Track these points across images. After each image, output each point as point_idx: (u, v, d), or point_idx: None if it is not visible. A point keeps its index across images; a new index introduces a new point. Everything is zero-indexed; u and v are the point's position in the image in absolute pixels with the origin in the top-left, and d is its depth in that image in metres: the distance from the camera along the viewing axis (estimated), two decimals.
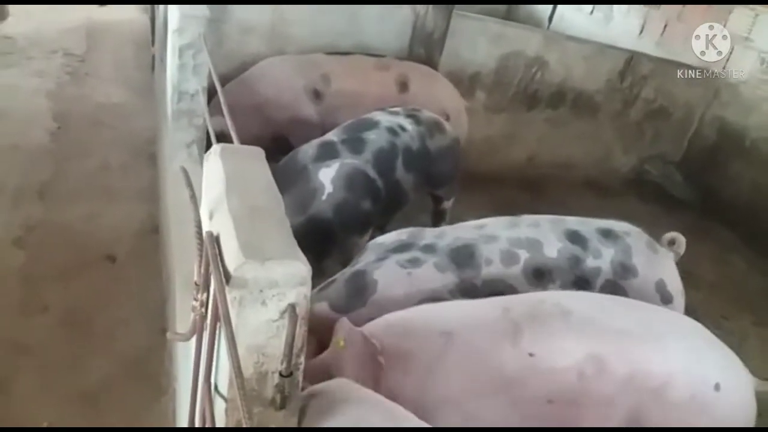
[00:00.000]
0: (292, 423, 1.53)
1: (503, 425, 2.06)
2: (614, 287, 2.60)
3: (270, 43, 4.38)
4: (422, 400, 2.01)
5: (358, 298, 2.47)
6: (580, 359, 2.07)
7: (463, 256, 2.57)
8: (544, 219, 2.80)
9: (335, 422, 1.57)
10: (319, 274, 2.57)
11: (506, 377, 2.07)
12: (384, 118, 3.45)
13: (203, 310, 1.56)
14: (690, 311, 2.71)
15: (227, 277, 1.34)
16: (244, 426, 1.12)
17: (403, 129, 3.41)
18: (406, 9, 4.68)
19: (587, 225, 2.77)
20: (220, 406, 1.51)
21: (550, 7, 7.82)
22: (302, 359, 1.47)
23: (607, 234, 2.71)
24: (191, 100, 3.35)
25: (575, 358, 2.07)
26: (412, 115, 3.54)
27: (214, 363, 1.54)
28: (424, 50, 4.67)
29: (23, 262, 3.37)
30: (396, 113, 3.55)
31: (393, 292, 2.45)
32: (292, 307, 1.35)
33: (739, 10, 5.67)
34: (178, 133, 3.45)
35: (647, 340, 2.15)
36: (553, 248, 2.64)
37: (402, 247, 2.63)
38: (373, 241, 2.76)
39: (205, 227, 1.57)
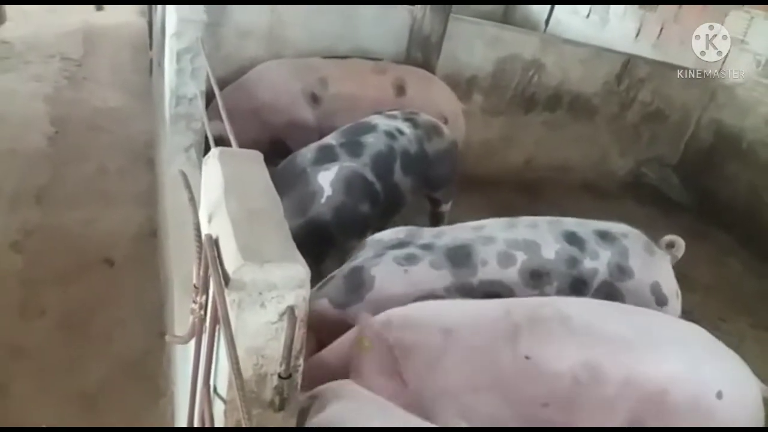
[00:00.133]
0: (291, 424, 1.53)
1: (499, 422, 2.07)
2: (610, 288, 2.62)
3: (268, 46, 4.39)
4: (422, 392, 2.03)
5: (356, 293, 2.49)
6: (575, 364, 2.07)
7: (459, 256, 2.58)
8: (542, 220, 2.81)
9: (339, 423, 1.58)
10: (317, 277, 2.59)
11: (502, 377, 2.08)
12: (382, 122, 3.46)
13: (202, 312, 1.57)
14: (687, 313, 2.72)
15: (226, 279, 1.35)
16: (244, 426, 1.12)
17: (401, 132, 3.43)
18: (403, 13, 4.70)
19: (585, 226, 2.78)
20: (219, 407, 1.51)
21: (546, 10, 7.84)
22: (301, 361, 1.47)
23: (604, 236, 2.72)
24: (189, 104, 3.36)
25: (571, 363, 2.08)
26: (410, 119, 3.55)
27: (213, 365, 1.54)
28: (422, 54, 4.68)
29: (21, 266, 3.37)
30: (394, 117, 3.56)
31: (390, 289, 2.47)
32: (291, 310, 1.36)
33: (735, 13, 5.70)
34: (176, 136, 3.46)
35: (646, 347, 2.14)
36: (551, 250, 2.65)
37: (400, 245, 2.65)
38: (371, 238, 2.78)
39: (204, 230, 1.58)
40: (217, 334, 1.49)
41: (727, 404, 2.08)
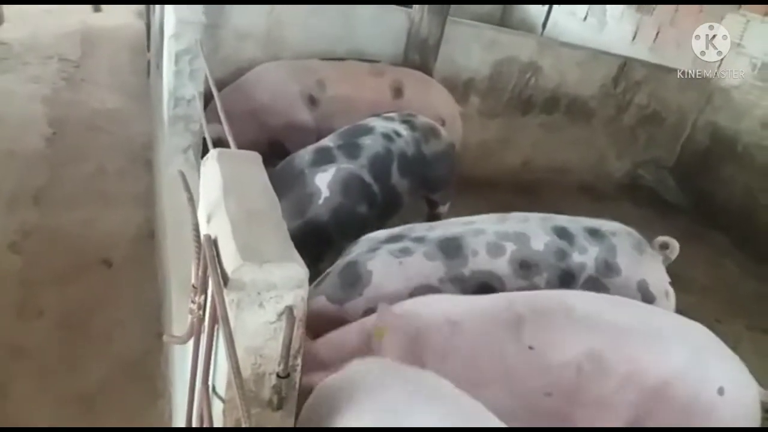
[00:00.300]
0: (289, 424, 1.55)
1: (502, 413, 2.08)
2: (596, 284, 2.65)
3: (265, 48, 4.41)
4: None
5: (354, 289, 2.50)
6: (579, 355, 2.09)
7: (451, 248, 2.61)
8: (533, 216, 2.85)
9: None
10: (315, 278, 2.60)
11: (506, 368, 2.09)
12: (379, 124, 3.48)
13: (201, 312, 1.58)
14: (683, 314, 2.73)
15: (225, 279, 1.36)
16: (244, 426, 1.13)
17: (398, 134, 3.44)
18: (401, 15, 4.72)
19: (576, 223, 2.82)
20: (217, 407, 1.52)
21: (543, 13, 7.86)
22: (299, 361, 1.49)
23: (593, 233, 2.75)
24: (188, 106, 3.36)
25: (574, 354, 2.09)
26: (408, 121, 3.57)
27: (211, 364, 1.55)
28: (419, 56, 4.69)
29: (20, 267, 3.37)
30: (391, 119, 3.58)
31: (387, 282, 2.49)
32: (289, 309, 1.37)
33: (731, 16, 5.72)
34: (174, 138, 3.46)
35: (649, 341, 2.15)
36: (540, 242, 2.68)
37: (393, 239, 2.68)
38: (365, 236, 2.79)
39: (203, 230, 1.59)
40: (215, 333, 1.50)
41: (728, 401, 2.09)
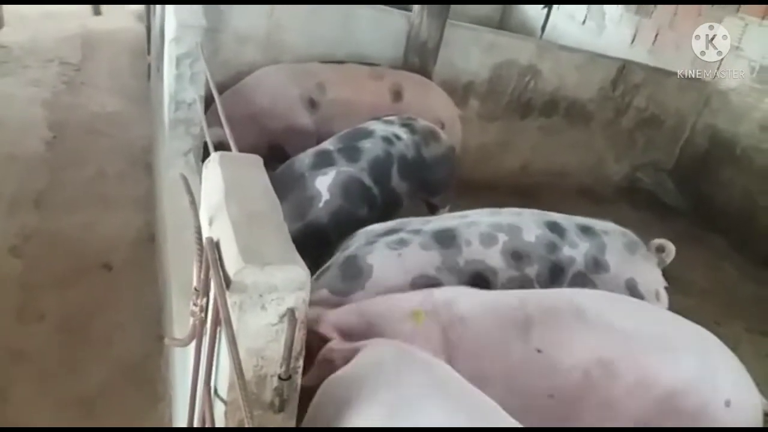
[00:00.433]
0: (291, 425, 1.55)
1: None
2: (584, 279, 2.68)
3: (265, 52, 4.42)
4: None
5: (356, 282, 2.51)
6: (586, 359, 2.08)
7: (445, 238, 2.65)
8: (527, 211, 2.89)
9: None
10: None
11: (510, 366, 2.10)
12: (379, 127, 3.49)
13: (203, 315, 1.58)
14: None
15: (227, 281, 1.37)
16: (246, 426, 1.14)
17: (398, 138, 3.45)
18: (400, 18, 4.73)
19: (568, 219, 2.85)
20: (219, 409, 1.52)
21: (542, 16, 7.89)
22: (301, 363, 1.49)
23: (585, 230, 2.79)
24: (188, 109, 3.37)
25: (582, 358, 2.08)
26: (407, 124, 3.58)
27: (213, 367, 1.56)
28: (419, 59, 4.70)
29: (20, 270, 3.38)
30: (391, 122, 3.59)
31: (388, 274, 2.51)
32: (291, 312, 1.38)
33: (729, 19, 5.74)
34: (174, 141, 3.47)
35: (659, 349, 2.13)
36: (532, 234, 2.72)
37: (390, 232, 2.70)
38: (361, 230, 2.80)
39: (205, 233, 1.59)
40: (218, 336, 1.50)
41: (734, 414, 2.08)
